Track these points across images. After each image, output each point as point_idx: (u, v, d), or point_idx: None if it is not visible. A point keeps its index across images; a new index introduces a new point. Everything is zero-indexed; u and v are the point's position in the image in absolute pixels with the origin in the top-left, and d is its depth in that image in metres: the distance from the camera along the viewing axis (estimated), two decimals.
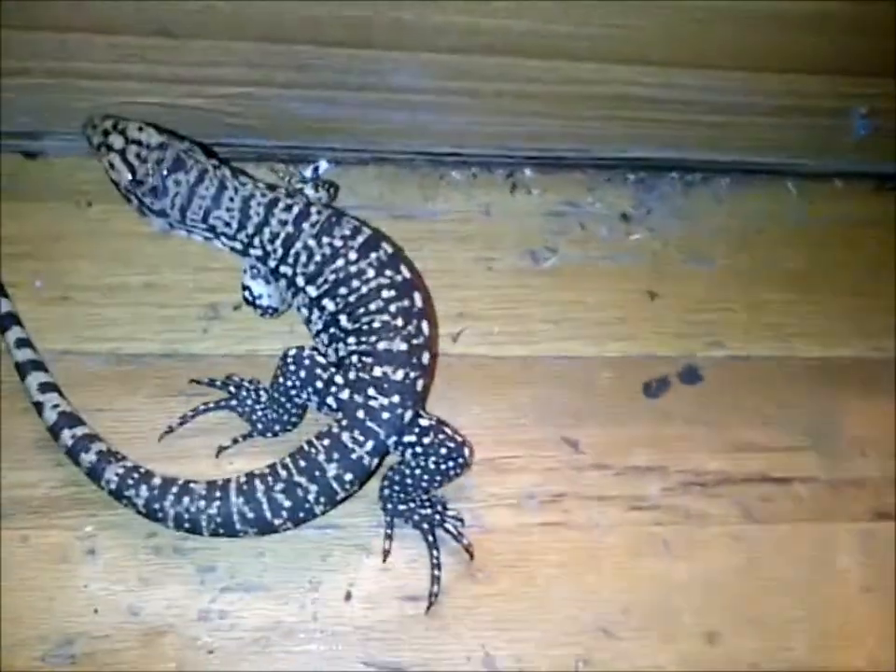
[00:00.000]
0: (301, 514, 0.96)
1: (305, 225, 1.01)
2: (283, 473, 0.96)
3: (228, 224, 1.02)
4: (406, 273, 1.01)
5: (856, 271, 1.24)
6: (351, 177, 1.19)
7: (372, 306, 0.99)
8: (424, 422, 1.00)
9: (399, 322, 0.99)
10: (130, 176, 1.01)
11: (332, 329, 1.01)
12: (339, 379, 0.99)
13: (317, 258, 1.00)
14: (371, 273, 1.00)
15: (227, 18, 0.99)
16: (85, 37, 1.01)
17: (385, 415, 0.97)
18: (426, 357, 1.00)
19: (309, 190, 1.11)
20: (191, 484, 0.96)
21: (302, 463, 0.96)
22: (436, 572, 1.00)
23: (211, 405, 1.04)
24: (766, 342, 1.18)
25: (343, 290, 1.00)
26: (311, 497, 0.96)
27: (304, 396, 1.00)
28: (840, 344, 1.19)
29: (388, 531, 1.01)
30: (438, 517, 1.02)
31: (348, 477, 0.96)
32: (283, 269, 1.02)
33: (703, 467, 1.10)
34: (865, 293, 1.22)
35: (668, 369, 1.15)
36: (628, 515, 1.07)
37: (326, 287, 1.00)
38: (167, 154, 1.01)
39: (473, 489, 1.06)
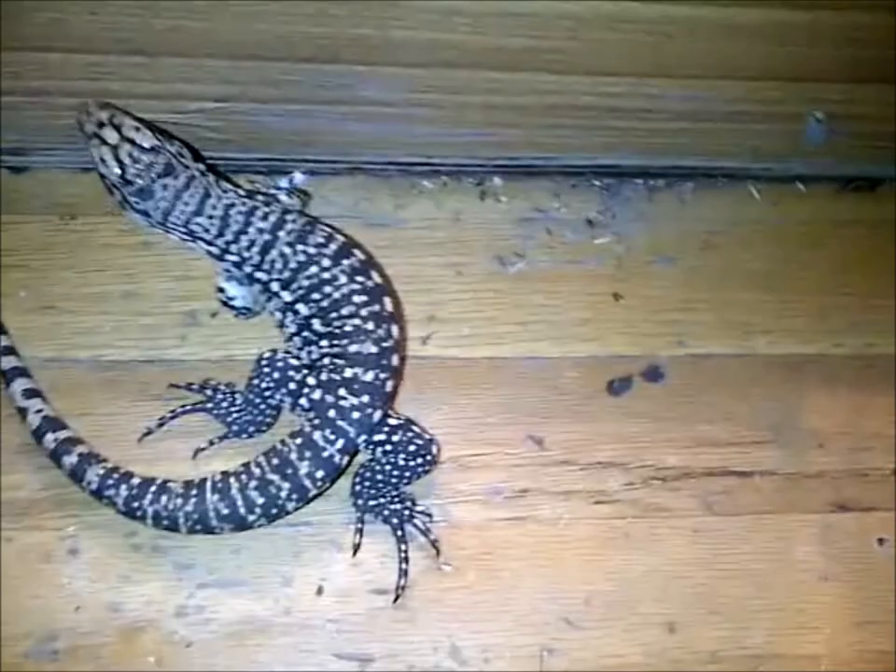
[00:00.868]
0: (275, 511, 1.00)
1: (281, 233, 1.04)
2: (256, 471, 1.00)
3: (207, 230, 1.05)
4: (377, 279, 1.05)
5: (818, 271, 1.27)
6: (326, 187, 1.23)
7: (344, 311, 1.02)
8: (393, 421, 1.04)
9: (370, 326, 1.02)
10: (119, 174, 1.02)
11: (305, 333, 1.05)
12: (311, 380, 1.03)
13: (292, 264, 1.04)
14: (343, 279, 1.03)
15: (198, 36, 1.02)
16: (64, 57, 1.05)
17: (356, 415, 1.01)
18: (395, 360, 1.03)
19: (283, 197, 1.14)
20: (169, 484, 1.00)
21: (275, 461, 1.00)
22: (403, 566, 1.04)
23: (188, 408, 1.08)
24: (729, 340, 1.21)
25: (316, 296, 1.03)
26: (283, 494, 0.99)
27: (278, 397, 1.04)
28: (802, 341, 1.22)
29: (359, 526, 1.05)
30: (407, 512, 1.06)
31: (319, 474, 1.00)
32: (258, 275, 1.05)
33: (664, 462, 1.13)
34: (827, 292, 1.25)
35: (632, 368, 1.18)
36: (591, 509, 1.10)
37: (300, 292, 1.04)
38: (159, 159, 1.02)
39: (441, 486, 1.09)
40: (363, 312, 1.03)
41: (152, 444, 1.08)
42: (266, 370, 1.03)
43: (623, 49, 1.08)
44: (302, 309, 1.04)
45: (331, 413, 1.01)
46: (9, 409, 1.06)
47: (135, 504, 0.99)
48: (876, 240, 1.29)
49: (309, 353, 1.06)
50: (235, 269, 1.07)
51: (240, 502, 0.99)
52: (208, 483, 1.00)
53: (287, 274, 1.04)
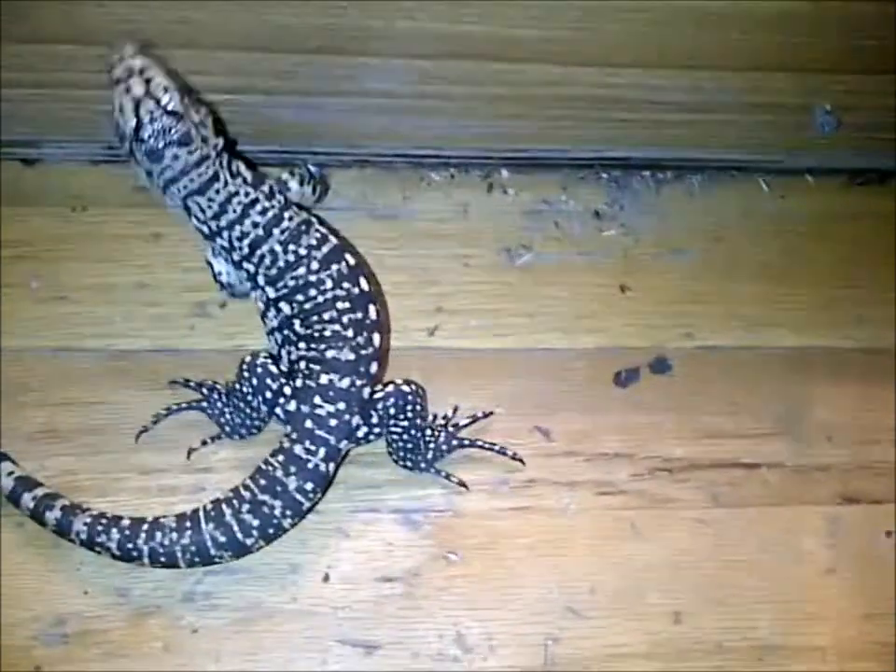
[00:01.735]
0: (271, 531, 1.00)
1: (275, 231, 1.03)
2: (247, 494, 1.00)
3: (203, 211, 1.03)
4: (364, 287, 1.04)
5: (826, 264, 1.27)
6: (335, 179, 1.24)
7: (326, 315, 1.02)
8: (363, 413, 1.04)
9: (350, 333, 1.02)
10: (133, 129, 0.98)
11: (286, 332, 1.04)
12: (287, 390, 1.03)
13: (281, 263, 1.03)
14: (329, 283, 1.03)
15: (206, 28, 1.04)
16: (74, 49, 1.06)
17: (333, 422, 1.01)
18: (374, 368, 1.03)
19: (294, 185, 1.11)
20: (161, 520, 0.99)
21: (263, 481, 1.00)
22: (497, 449, 1.09)
23: (184, 405, 1.08)
24: (737, 332, 1.21)
25: (300, 297, 1.03)
26: (277, 513, 0.99)
27: (256, 403, 1.04)
28: (810, 334, 1.22)
29: (445, 476, 1.08)
30: (451, 429, 1.09)
31: (309, 486, 1.00)
32: (246, 265, 1.05)
33: (671, 453, 1.14)
34: (835, 285, 1.25)
35: (639, 359, 1.18)
36: (597, 500, 1.11)
37: (285, 291, 1.03)
38: (178, 126, 0.98)
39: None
40: (344, 319, 1.02)
41: (157, 432, 1.09)
42: (245, 374, 1.04)
43: (630, 39, 1.08)
44: (285, 308, 1.04)
45: (308, 423, 1.01)
46: (24, 395, 1.08)
47: (129, 545, 0.98)
48: (885, 233, 1.29)
49: (288, 353, 1.05)
50: (224, 252, 1.07)
51: (236, 527, 0.99)
52: (201, 513, 0.99)
53: (274, 271, 1.04)
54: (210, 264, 1.08)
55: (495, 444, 1.08)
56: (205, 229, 1.05)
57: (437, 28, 1.05)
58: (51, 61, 1.07)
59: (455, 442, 1.08)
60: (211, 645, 1.02)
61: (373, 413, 1.04)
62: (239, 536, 0.99)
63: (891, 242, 1.28)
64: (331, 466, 1.02)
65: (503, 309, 1.20)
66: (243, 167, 1.06)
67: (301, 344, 1.03)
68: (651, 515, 1.11)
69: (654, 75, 1.14)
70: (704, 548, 1.10)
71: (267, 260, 1.03)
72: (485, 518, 1.09)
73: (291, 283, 1.03)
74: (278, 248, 1.03)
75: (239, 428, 1.07)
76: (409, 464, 1.07)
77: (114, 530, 0.98)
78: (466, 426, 1.10)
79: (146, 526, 0.99)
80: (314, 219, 1.07)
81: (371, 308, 1.04)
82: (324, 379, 1.02)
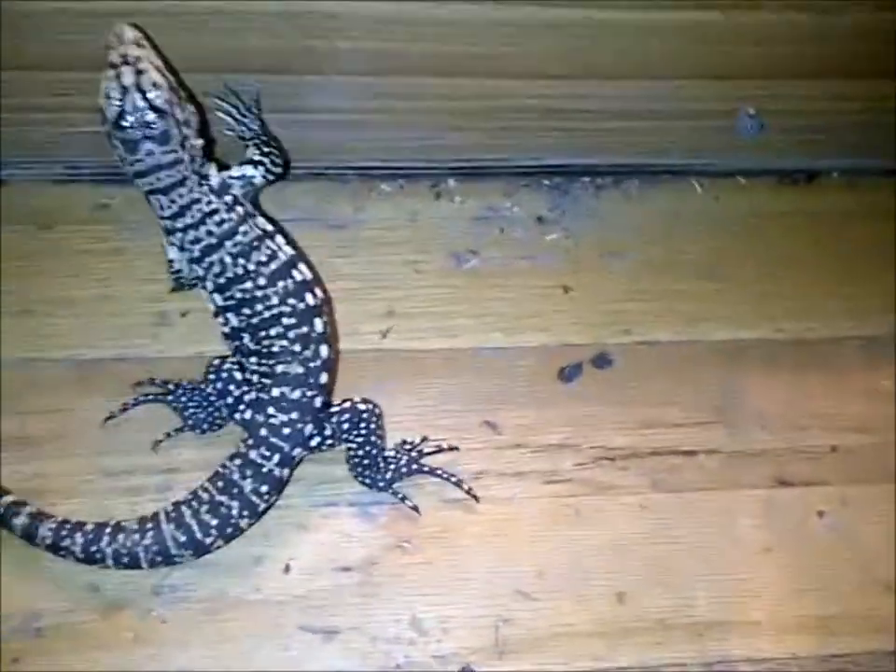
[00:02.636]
0: (229, 530, 1.05)
1: (228, 243, 1.06)
2: (205, 496, 1.05)
3: (163, 209, 1.05)
4: (310, 301, 1.07)
5: (759, 260, 1.33)
6: (288, 192, 1.28)
7: (272, 331, 1.06)
8: (317, 422, 1.09)
9: (297, 348, 1.06)
10: (115, 116, 0.99)
11: (236, 343, 1.08)
12: (246, 398, 1.09)
13: (229, 274, 1.06)
14: (275, 300, 1.06)
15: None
16: (36, 75, 1.11)
17: (287, 430, 1.06)
18: (323, 378, 1.08)
19: (258, 178, 1.11)
20: (123, 523, 1.04)
21: (220, 483, 1.05)
22: (453, 479, 1.13)
23: (150, 397, 1.13)
24: (674, 327, 1.27)
25: (246, 311, 1.06)
26: (234, 513, 1.04)
27: (218, 404, 1.10)
28: (744, 327, 1.28)
29: (400, 497, 1.12)
30: (415, 454, 1.13)
31: (264, 489, 1.05)
32: (195, 267, 1.07)
33: (613, 443, 1.19)
34: (767, 280, 1.32)
35: (581, 355, 1.24)
36: (543, 488, 1.16)
37: (231, 302, 1.07)
38: (159, 123, 0.99)
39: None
40: (290, 334, 1.06)
41: (127, 436, 1.14)
42: (211, 377, 1.10)
43: (559, 53, 1.14)
44: (233, 319, 1.08)
45: (263, 431, 1.06)
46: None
47: (93, 549, 1.02)
48: (814, 230, 1.36)
49: (241, 364, 1.10)
50: (178, 250, 1.09)
51: (195, 527, 1.03)
52: (161, 515, 1.04)
53: (222, 280, 1.06)
54: (165, 249, 1.10)
55: (452, 475, 1.13)
56: (162, 223, 1.07)
57: (374, 46, 1.11)
58: (13, 85, 1.12)
59: (415, 467, 1.13)
60: (179, 635, 1.06)
61: (328, 425, 1.09)
62: (198, 535, 1.04)
63: (820, 239, 1.35)
64: (285, 471, 1.07)
65: (452, 311, 1.25)
66: (213, 171, 1.08)
67: (253, 359, 1.08)
68: (594, 501, 1.16)
69: (584, 85, 1.20)
70: (645, 531, 1.16)
71: (216, 269, 1.07)
72: (437, 509, 1.14)
73: (238, 295, 1.07)
74: (228, 260, 1.06)
75: (202, 423, 1.12)
76: (367, 481, 1.11)
77: (78, 534, 1.03)
78: (429, 454, 1.14)
79: (108, 530, 1.03)
80: (269, 233, 1.09)
81: (317, 321, 1.08)
82: (276, 392, 1.07)
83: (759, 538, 1.17)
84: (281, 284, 1.07)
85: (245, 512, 1.05)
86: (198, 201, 1.06)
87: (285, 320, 1.06)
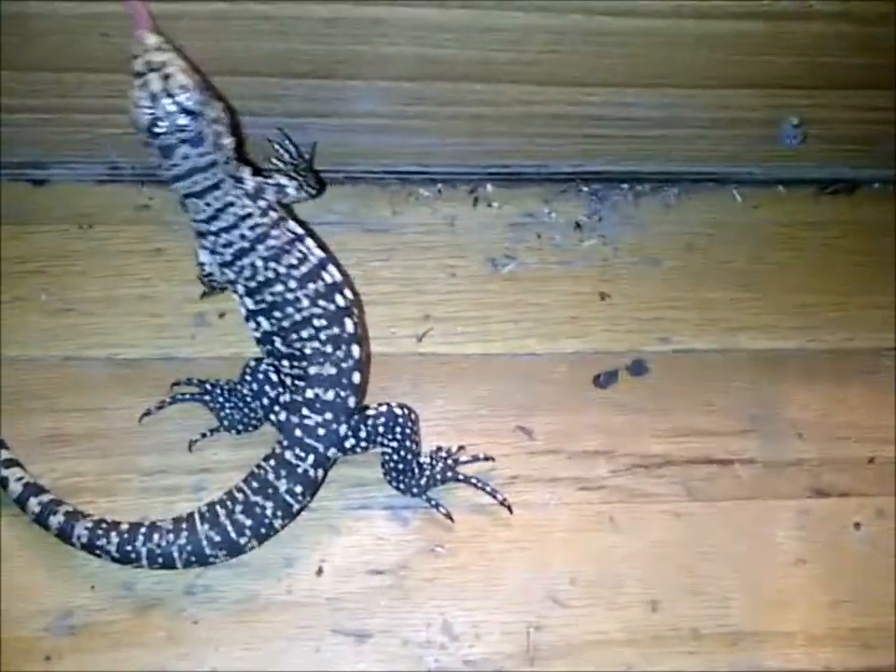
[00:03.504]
0: (263, 530, 1.05)
1: (260, 246, 1.06)
2: (239, 496, 1.05)
3: (197, 212, 1.06)
4: (340, 303, 1.08)
5: (797, 270, 1.32)
6: (327, 195, 1.30)
7: (304, 333, 1.06)
8: (352, 422, 1.09)
9: (329, 349, 1.07)
10: (148, 124, 1.00)
11: (268, 347, 1.09)
12: (281, 399, 1.09)
13: (260, 277, 1.06)
14: (305, 302, 1.06)
15: (200, 53, 1.07)
16: (80, 76, 1.12)
17: (321, 431, 1.07)
18: (356, 378, 1.08)
19: (291, 190, 1.13)
20: (158, 523, 1.05)
21: (255, 484, 1.06)
22: (488, 489, 1.12)
23: (187, 396, 1.14)
24: (711, 336, 1.27)
25: (277, 314, 1.07)
26: (269, 513, 1.05)
27: (254, 405, 1.10)
28: (781, 337, 1.28)
29: (433, 504, 1.12)
30: (451, 462, 1.13)
31: (298, 489, 1.06)
32: (226, 271, 1.08)
33: (648, 450, 1.19)
34: (805, 290, 1.31)
35: (617, 362, 1.24)
36: (577, 495, 1.16)
37: (263, 305, 1.07)
38: (192, 125, 0.99)
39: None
40: (322, 335, 1.07)
41: (163, 435, 1.15)
42: (248, 378, 1.10)
43: (600, 60, 1.14)
44: (264, 323, 1.08)
45: (298, 432, 1.07)
46: (30, 402, 1.15)
47: (128, 548, 1.03)
48: (853, 241, 1.34)
49: (274, 367, 1.11)
50: (209, 253, 1.10)
51: (230, 527, 1.04)
52: (196, 516, 1.05)
53: (253, 284, 1.07)
54: (196, 252, 1.11)
55: (487, 485, 1.13)
56: (196, 226, 1.08)
57: (419, 52, 1.11)
58: (58, 87, 1.13)
59: (450, 474, 1.13)
60: (211, 635, 1.07)
61: (363, 427, 1.09)
62: (233, 535, 1.04)
63: (859, 249, 1.34)
64: (320, 472, 1.08)
65: (488, 316, 1.26)
66: (247, 174, 1.08)
67: (285, 362, 1.09)
68: (628, 509, 1.16)
69: (627, 93, 1.19)
70: (679, 539, 1.15)
71: (247, 272, 1.07)
72: (470, 513, 1.14)
73: (269, 298, 1.07)
74: (259, 263, 1.07)
75: (237, 424, 1.12)
76: (401, 486, 1.11)
77: (113, 534, 1.03)
78: (465, 463, 1.14)
79: (143, 530, 1.04)
80: (300, 236, 1.10)
81: (348, 322, 1.08)
82: (310, 393, 1.07)
83: (794, 548, 1.17)
84: (311, 286, 1.07)
85: (280, 513, 1.06)
86: (232, 204, 1.06)
87: (316, 322, 1.07)
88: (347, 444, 1.09)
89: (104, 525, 1.04)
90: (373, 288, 1.25)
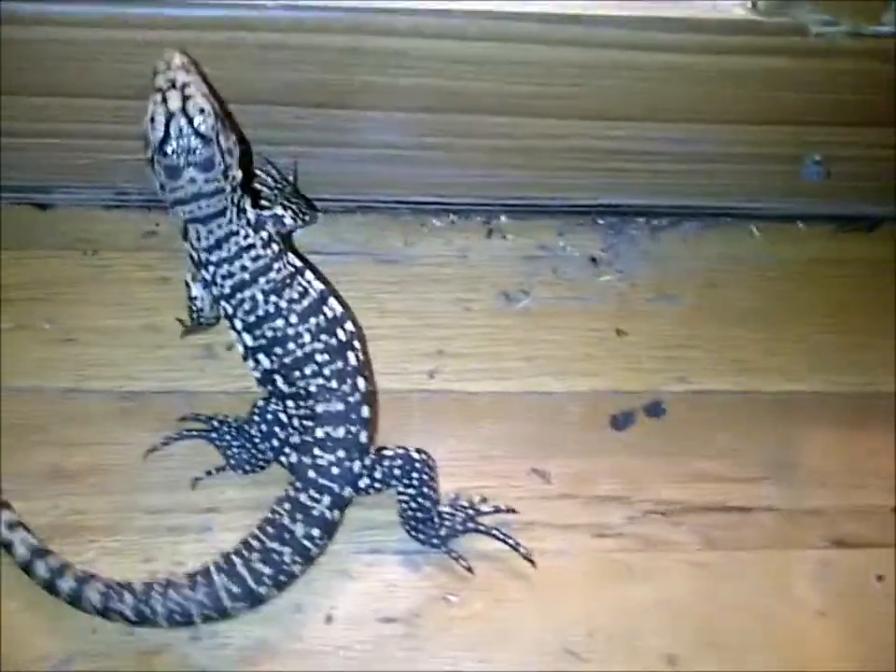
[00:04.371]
0: (283, 577, 1.02)
1: (261, 279, 1.04)
2: (256, 544, 1.02)
3: (199, 240, 1.03)
4: (342, 336, 1.05)
5: (816, 309, 1.29)
6: (338, 225, 1.27)
7: (307, 370, 1.04)
8: (366, 461, 1.06)
9: (334, 384, 1.04)
10: (159, 141, 0.98)
11: (269, 387, 1.06)
12: (293, 440, 1.06)
13: (260, 311, 1.04)
14: (307, 337, 1.04)
15: (213, 82, 1.05)
16: (89, 102, 1.09)
17: (335, 470, 1.04)
18: (365, 411, 1.05)
19: (288, 220, 1.11)
20: (171, 579, 1.01)
21: (271, 530, 1.03)
22: (510, 541, 1.09)
23: (194, 433, 1.11)
24: (729, 377, 1.24)
25: (278, 350, 1.04)
26: (287, 559, 1.02)
27: (264, 447, 1.07)
28: (800, 379, 1.25)
29: (455, 558, 1.08)
30: (471, 512, 1.10)
31: (316, 532, 1.03)
32: (224, 305, 1.06)
33: (665, 496, 1.16)
34: (825, 331, 1.28)
35: (634, 403, 1.21)
36: (593, 543, 1.13)
37: (263, 341, 1.04)
38: (204, 150, 0.98)
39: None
40: (325, 371, 1.04)
41: (169, 472, 1.12)
42: (256, 418, 1.07)
43: (623, 94, 1.11)
44: (265, 361, 1.05)
45: (311, 473, 1.04)
46: (31, 436, 1.12)
47: (144, 608, 0.99)
48: (874, 280, 1.32)
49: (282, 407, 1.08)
50: (203, 286, 1.07)
51: (248, 577, 1.01)
52: (212, 567, 1.02)
53: (252, 318, 1.04)
54: (188, 285, 1.08)
55: (510, 537, 1.09)
56: (195, 255, 1.05)
57: (438, 84, 1.08)
58: (66, 112, 1.11)
59: (471, 525, 1.09)
60: None
61: (378, 467, 1.06)
62: (252, 585, 1.01)
63: (879, 288, 1.31)
64: (336, 513, 1.04)
65: (502, 352, 1.22)
66: (248, 205, 1.06)
67: (290, 403, 1.06)
68: (646, 558, 1.13)
69: (649, 127, 1.17)
70: (698, 591, 1.12)
71: (246, 306, 1.04)
72: (484, 560, 1.11)
73: (269, 334, 1.04)
74: (260, 297, 1.04)
75: (244, 464, 1.09)
76: (421, 536, 1.08)
77: (127, 594, 1.00)
78: (486, 514, 1.11)
79: (158, 587, 1.00)
80: (299, 269, 1.07)
81: (350, 355, 1.05)
82: (320, 433, 1.04)
83: (814, 601, 1.14)
84: (313, 321, 1.05)
85: (298, 558, 1.02)
86: (236, 233, 1.04)
87: (318, 357, 1.04)
88: (362, 484, 1.06)
89: (116, 587, 1.01)
90: (384, 321, 1.22)
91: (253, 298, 1.04)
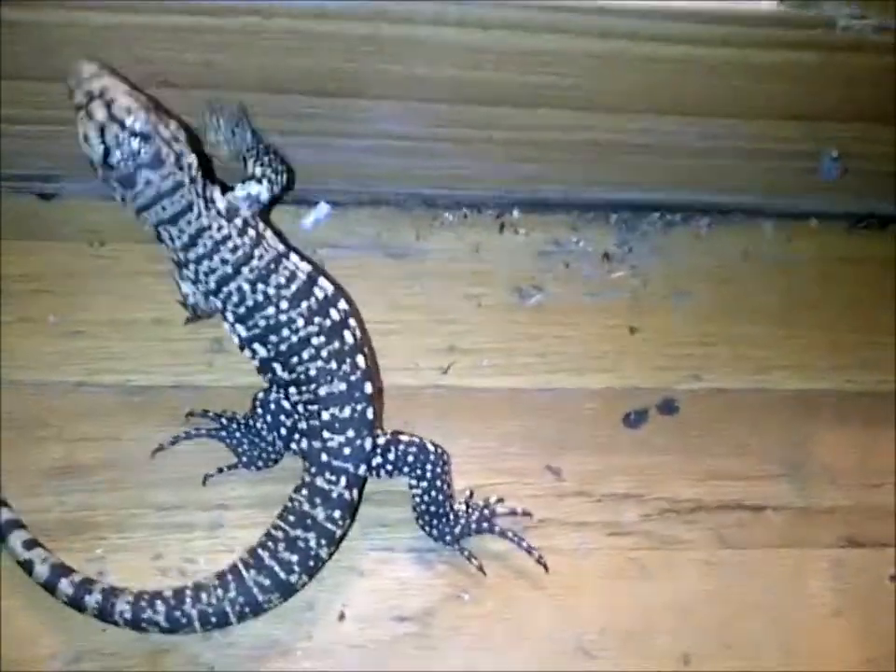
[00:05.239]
0: (311, 563, 1.01)
1: (244, 269, 1.01)
2: (279, 534, 1.01)
3: (173, 240, 1.00)
4: (335, 316, 1.04)
5: (831, 306, 1.29)
6: (349, 218, 1.25)
7: (305, 354, 1.02)
8: (381, 440, 1.05)
9: (333, 365, 1.02)
10: (102, 157, 0.95)
11: (269, 375, 1.05)
12: (300, 426, 1.05)
13: (249, 302, 1.02)
14: (300, 322, 1.02)
15: (227, 70, 1.05)
16: None
17: (347, 450, 1.03)
18: (368, 387, 1.04)
19: (265, 194, 1.07)
20: (201, 582, 1.00)
21: (291, 518, 1.02)
22: (524, 545, 1.08)
23: (202, 431, 1.09)
24: (743, 374, 1.23)
25: (273, 338, 1.02)
26: (312, 544, 1.01)
27: (271, 438, 1.05)
28: (815, 377, 1.24)
29: (466, 554, 1.07)
30: (486, 512, 1.08)
31: (337, 514, 1.02)
32: (213, 300, 1.03)
33: (679, 494, 1.15)
34: (839, 328, 1.27)
35: (647, 400, 1.20)
36: (607, 541, 1.12)
37: (256, 331, 1.02)
38: (148, 147, 0.94)
39: None
40: (323, 353, 1.02)
41: (175, 468, 1.10)
42: (259, 411, 1.06)
43: (642, 87, 1.10)
44: (261, 350, 1.04)
45: (324, 456, 1.03)
46: (35, 432, 1.10)
47: (177, 614, 0.98)
48: (887, 277, 1.31)
49: (284, 395, 1.06)
50: (190, 282, 1.05)
51: (277, 568, 1.00)
52: (240, 564, 1.01)
53: (242, 310, 1.02)
54: (177, 283, 1.06)
55: (523, 540, 1.08)
56: (174, 257, 1.03)
57: (454, 74, 1.07)
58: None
59: (485, 525, 1.08)
60: None
61: (393, 449, 1.05)
62: (282, 575, 1.00)
63: (893, 285, 1.30)
64: (354, 492, 1.03)
65: (515, 348, 1.21)
66: (217, 194, 1.03)
67: (292, 389, 1.04)
68: (659, 556, 1.12)
69: (665, 121, 1.16)
70: (711, 589, 1.12)
71: (235, 298, 1.02)
72: (497, 558, 1.09)
73: (262, 323, 1.02)
74: (246, 287, 1.02)
75: (256, 460, 1.08)
76: (434, 532, 1.07)
77: (158, 602, 0.98)
78: (501, 515, 1.10)
79: (189, 592, 0.99)
80: (283, 252, 1.04)
81: (346, 333, 1.04)
82: (326, 415, 1.03)
83: (828, 600, 1.13)
84: (304, 304, 1.03)
85: (324, 542, 1.01)
86: (208, 227, 1.00)
87: (314, 340, 1.02)
88: (374, 462, 1.05)
89: (145, 597, 0.99)
90: (395, 316, 1.21)
91: (240, 289, 1.02)
